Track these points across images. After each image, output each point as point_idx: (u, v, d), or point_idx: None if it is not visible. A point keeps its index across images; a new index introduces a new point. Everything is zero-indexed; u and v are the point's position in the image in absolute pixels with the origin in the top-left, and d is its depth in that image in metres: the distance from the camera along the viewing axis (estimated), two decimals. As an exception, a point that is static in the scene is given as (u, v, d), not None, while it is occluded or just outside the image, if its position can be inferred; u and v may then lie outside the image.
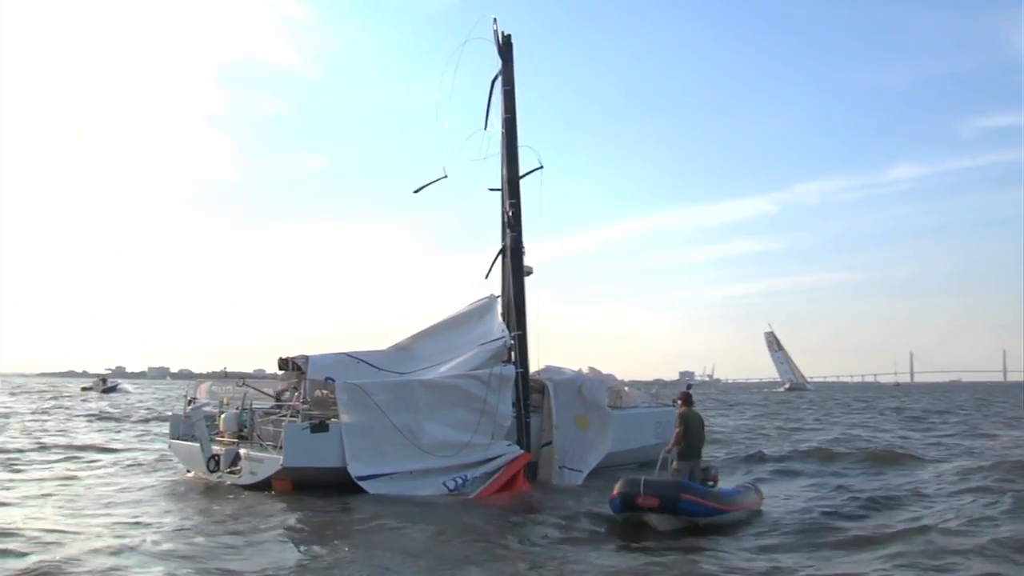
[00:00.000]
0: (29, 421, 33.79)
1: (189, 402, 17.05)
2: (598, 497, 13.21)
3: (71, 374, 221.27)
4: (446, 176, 16.96)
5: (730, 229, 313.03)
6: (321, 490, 13.57)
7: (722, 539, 10.92)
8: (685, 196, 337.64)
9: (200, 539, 10.54)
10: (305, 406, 14.52)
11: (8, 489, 14.69)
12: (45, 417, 36.99)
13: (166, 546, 10.00)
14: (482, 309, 16.93)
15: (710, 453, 18.41)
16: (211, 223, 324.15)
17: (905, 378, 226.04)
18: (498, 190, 17.34)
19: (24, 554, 9.40)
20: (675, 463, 12.18)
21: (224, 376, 18.01)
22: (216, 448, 15.28)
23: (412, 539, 10.75)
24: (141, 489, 15.07)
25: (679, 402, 12.91)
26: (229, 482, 14.71)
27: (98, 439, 25.80)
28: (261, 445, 14.63)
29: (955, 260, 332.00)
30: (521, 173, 17.20)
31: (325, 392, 14.68)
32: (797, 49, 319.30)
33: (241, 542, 10.35)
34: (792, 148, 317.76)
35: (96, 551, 9.60)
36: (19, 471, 17.48)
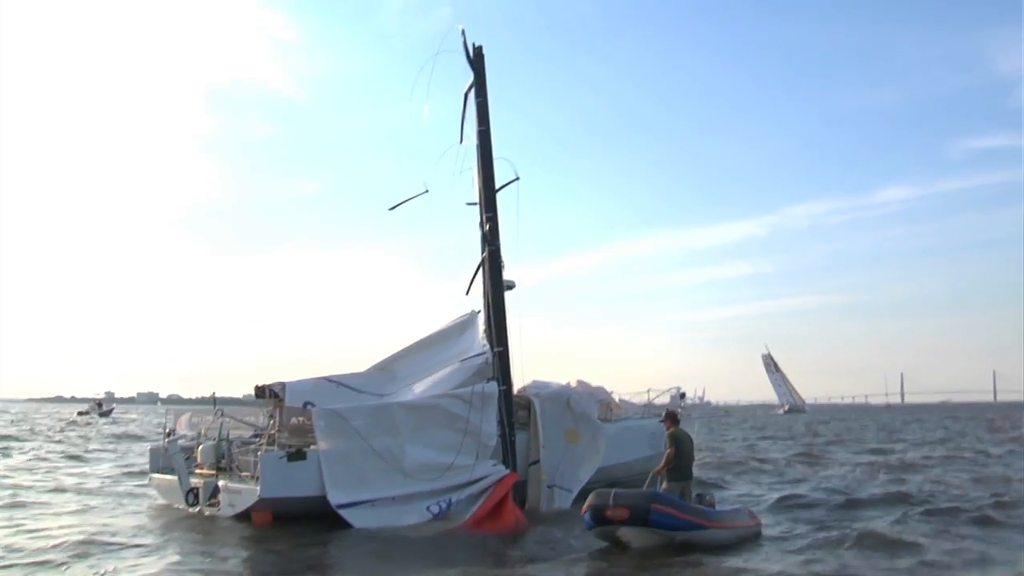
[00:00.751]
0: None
1: (168, 434, 16.67)
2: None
3: (59, 399, 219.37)
4: (427, 191, 16.69)
5: (720, 252, 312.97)
6: (302, 522, 13.18)
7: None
8: (675, 219, 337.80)
9: None
10: (282, 434, 14.13)
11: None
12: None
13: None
14: (463, 325, 16.60)
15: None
16: (200, 247, 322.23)
17: (896, 399, 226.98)
18: (476, 204, 17.05)
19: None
20: (664, 484, 11.77)
21: (213, 402, 17.61)
22: (195, 481, 14.92)
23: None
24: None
25: (665, 421, 12.44)
26: (208, 514, 14.32)
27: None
28: (239, 476, 14.23)
29: (945, 281, 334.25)
30: (497, 186, 16.91)
31: (302, 419, 14.28)
32: (786, 72, 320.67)
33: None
34: (781, 171, 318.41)
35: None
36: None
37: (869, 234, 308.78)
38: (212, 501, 14.49)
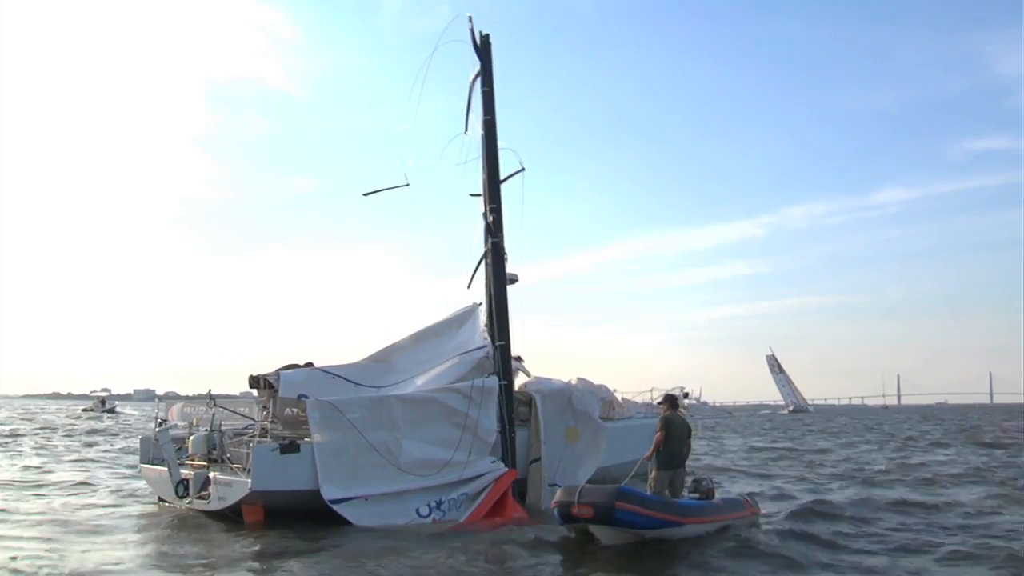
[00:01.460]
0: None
1: (159, 423, 16.25)
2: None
3: (56, 395, 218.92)
4: (407, 184, 16.19)
5: (718, 252, 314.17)
6: (295, 519, 12.76)
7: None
8: (674, 219, 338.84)
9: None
10: (275, 426, 13.70)
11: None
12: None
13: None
14: (463, 317, 16.16)
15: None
16: (197, 244, 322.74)
17: (892, 400, 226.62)
18: (479, 195, 16.67)
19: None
20: (653, 472, 11.32)
21: (209, 398, 17.21)
22: (185, 472, 14.50)
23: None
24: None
25: (663, 405, 12.06)
26: (198, 508, 13.90)
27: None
28: (231, 468, 13.81)
29: (943, 283, 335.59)
30: (502, 176, 16.53)
31: (296, 410, 13.85)
32: (785, 72, 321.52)
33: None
34: (780, 171, 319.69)
35: None
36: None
37: (867, 235, 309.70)
38: (202, 493, 14.08)
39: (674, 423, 11.43)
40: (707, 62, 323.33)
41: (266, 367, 14.79)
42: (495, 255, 15.93)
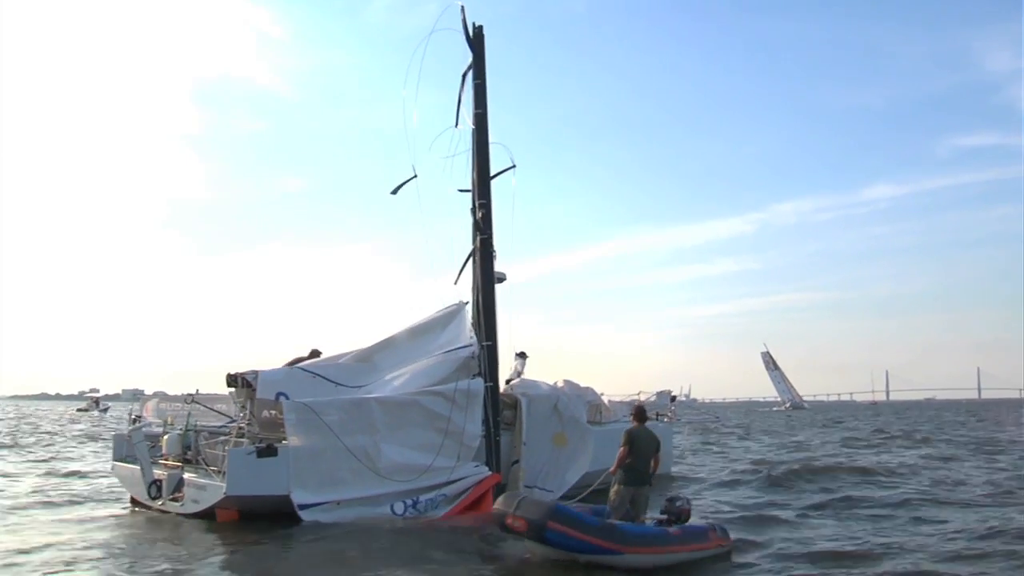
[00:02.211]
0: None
1: (133, 420, 15.72)
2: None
3: (44, 396, 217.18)
4: (416, 176, 15.74)
5: (708, 249, 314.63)
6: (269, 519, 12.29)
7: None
8: (663, 216, 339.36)
9: None
10: (252, 427, 13.17)
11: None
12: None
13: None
14: (449, 315, 15.59)
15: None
16: (185, 243, 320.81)
17: (881, 396, 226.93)
18: (468, 191, 16.17)
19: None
20: (615, 487, 10.49)
21: (191, 399, 16.66)
22: (159, 472, 13.97)
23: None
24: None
25: (631, 416, 11.25)
26: (171, 510, 13.38)
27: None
28: (206, 470, 13.28)
29: (931, 279, 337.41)
30: (493, 172, 16.05)
31: (275, 412, 13.30)
32: (775, 70, 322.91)
33: None
34: (769, 168, 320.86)
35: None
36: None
37: (856, 231, 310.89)
38: (176, 495, 13.57)
39: (640, 437, 10.59)
40: (697, 60, 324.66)
41: (255, 367, 14.18)
42: (483, 252, 15.45)
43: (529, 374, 17.41)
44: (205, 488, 12.78)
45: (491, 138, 16.15)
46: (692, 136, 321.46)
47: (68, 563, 9.96)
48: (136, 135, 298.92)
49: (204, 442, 14.11)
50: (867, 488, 17.65)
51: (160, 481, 13.84)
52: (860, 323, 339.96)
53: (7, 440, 34.55)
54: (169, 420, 15.18)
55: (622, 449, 10.49)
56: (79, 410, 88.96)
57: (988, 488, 17.46)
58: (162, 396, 16.94)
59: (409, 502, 13.03)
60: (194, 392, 15.70)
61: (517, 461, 15.09)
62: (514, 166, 16.29)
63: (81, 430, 47.13)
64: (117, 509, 14.60)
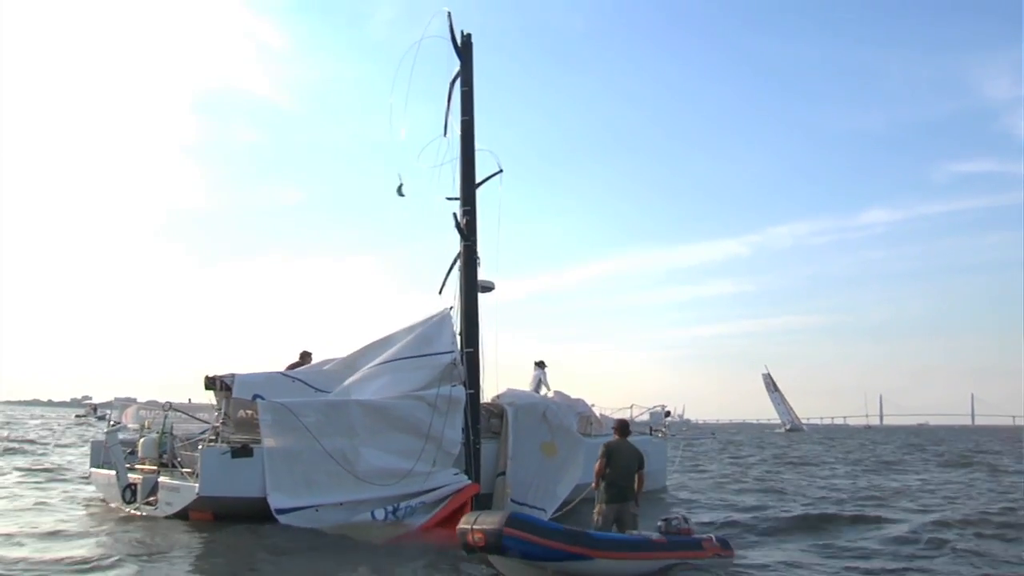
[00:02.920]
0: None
1: (112, 425, 15.56)
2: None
3: (36, 402, 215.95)
4: (401, 183, 15.65)
5: (703, 271, 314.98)
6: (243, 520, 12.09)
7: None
8: (659, 237, 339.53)
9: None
10: (227, 428, 13.01)
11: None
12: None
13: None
14: (433, 322, 15.42)
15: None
16: (181, 253, 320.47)
17: (875, 421, 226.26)
18: (456, 199, 16.09)
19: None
20: (597, 505, 10.12)
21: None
22: (134, 477, 13.81)
23: None
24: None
25: (613, 429, 10.88)
26: (146, 513, 13.20)
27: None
28: (181, 473, 13.10)
29: (926, 304, 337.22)
30: (479, 179, 15.99)
31: (250, 412, 13.15)
32: (773, 92, 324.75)
33: None
34: (766, 191, 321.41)
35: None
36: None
37: (852, 256, 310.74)
38: (150, 499, 13.42)
39: (619, 452, 10.14)
40: (696, 80, 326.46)
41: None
42: (467, 259, 15.34)
43: (515, 387, 17.23)
44: (179, 490, 12.61)
45: (479, 146, 16.14)
46: (689, 156, 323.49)
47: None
48: (136, 144, 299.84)
49: (180, 444, 13.95)
50: None
51: (135, 485, 13.68)
52: (854, 347, 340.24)
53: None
54: (146, 425, 15.02)
55: (599, 463, 10.10)
56: (78, 416, 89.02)
57: None
58: (142, 403, 16.70)
59: (390, 508, 12.79)
60: (187, 401, 15.64)
61: (503, 473, 14.85)
62: (500, 171, 16.22)
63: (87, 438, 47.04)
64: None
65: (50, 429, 51.75)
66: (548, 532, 8.93)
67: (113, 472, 14.16)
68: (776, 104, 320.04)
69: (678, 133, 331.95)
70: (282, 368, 15.39)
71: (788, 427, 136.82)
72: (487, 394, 15.77)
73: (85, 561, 9.75)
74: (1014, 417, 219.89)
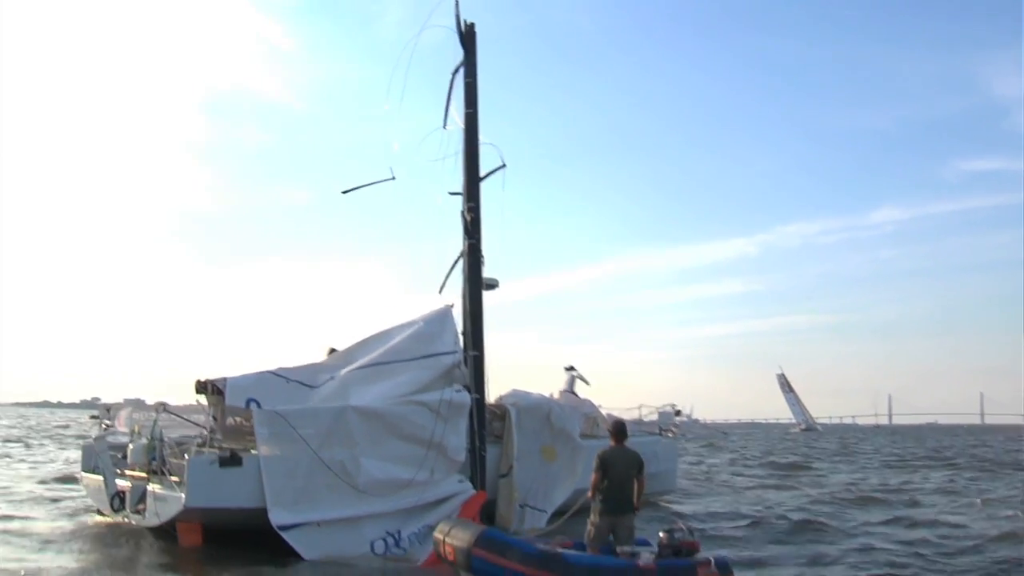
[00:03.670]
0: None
1: (103, 429, 15.01)
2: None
3: (46, 404, 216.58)
4: (393, 178, 15.06)
5: (712, 270, 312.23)
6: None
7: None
8: (667, 236, 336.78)
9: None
10: (216, 435, 12.40)
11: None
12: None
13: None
14: (433, 318, 14.73)
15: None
16: (191, 254, 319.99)
17: (884, 420, 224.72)
18: (459, 194, 15.49)
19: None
20: (593, 518, 9.12)
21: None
22: (123, 484, 13.23)
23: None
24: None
25: (610, 435, 9.78)
26: (135, 522, 12.62)
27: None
28: (170, 481, 12.51)
29: (936, 303, 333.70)
30: (483, 173, 15.37)
31: (240, 419, 12.51)
32: (781, 91, 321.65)
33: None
34: (775, 190, 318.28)
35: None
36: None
37: (861, 255, 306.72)
38: (139, 507, 12.82)
39: (614, 460, 9.09)
40: (704, 78, 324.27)
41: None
42: (472, 256, 14.73)
43: (529, 390, 16.61)
44: (166, 500, 12.02)
45: (482, 138, 15.55)
46: (697, 155, 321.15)
47: None
48: (146, 145, 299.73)
49: (170, 451, 13.35)
50: None
51: (123, 492, 13.11)
52: (863, 346, 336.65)
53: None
54: (136, 429, 14.43)
55: (594, 475, 9.08)
56: (92, 417, 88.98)
57: None
58: (135, 405, 16.14)
59: (392, 538, 12.14)
60: (194, 403, 15.03)
61: (505, 475, 14.33)
62: (504, 166, 15.65)
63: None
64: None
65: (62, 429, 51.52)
66: (519, 555, 8.28)
67: (101, 477, 13.61)
68: (785, 102, 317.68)
69: (686, 132, 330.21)
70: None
71: (803, 427, 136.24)
72: (490, 395, 15.23)
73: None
74: (1023, 415, 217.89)
